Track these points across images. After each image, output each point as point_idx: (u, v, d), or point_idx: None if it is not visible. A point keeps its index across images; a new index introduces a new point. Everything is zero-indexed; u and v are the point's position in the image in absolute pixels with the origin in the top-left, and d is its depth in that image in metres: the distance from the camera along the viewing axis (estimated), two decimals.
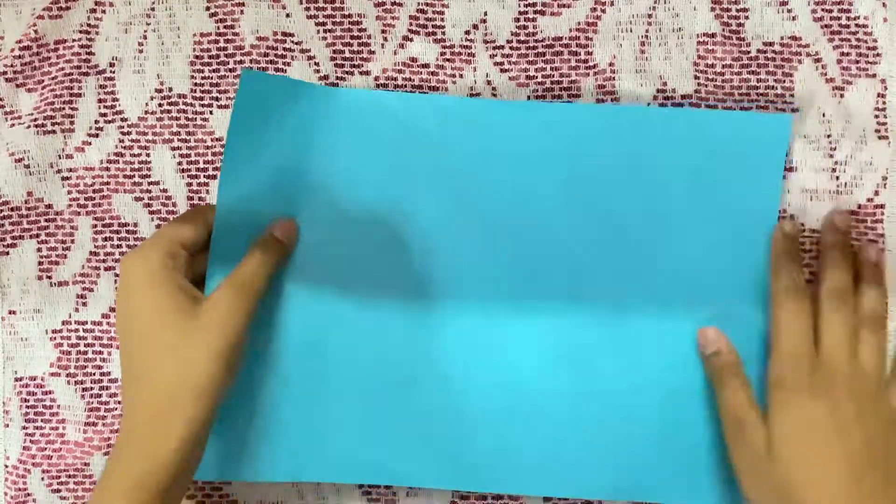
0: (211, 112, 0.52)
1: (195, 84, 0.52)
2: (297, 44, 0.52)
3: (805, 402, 0.47)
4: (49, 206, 0.52)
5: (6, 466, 0.52)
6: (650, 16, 0.53)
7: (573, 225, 0.51)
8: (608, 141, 0.51)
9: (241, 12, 0.52)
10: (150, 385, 0.44)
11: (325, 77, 0.52)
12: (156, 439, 0.43)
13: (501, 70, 0.52)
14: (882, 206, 0.53)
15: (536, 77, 0.52)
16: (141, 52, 0.52)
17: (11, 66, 0.52)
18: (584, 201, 0.51)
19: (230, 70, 0.52)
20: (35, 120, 0.52)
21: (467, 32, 0.52)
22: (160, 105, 0.52)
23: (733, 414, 0.48)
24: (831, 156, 0.53)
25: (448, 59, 0.52)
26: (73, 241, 0.52)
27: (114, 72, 0.52)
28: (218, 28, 0.52)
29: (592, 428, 0.50)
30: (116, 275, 0.52)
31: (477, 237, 0.51)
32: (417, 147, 0.51)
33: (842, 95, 0.53)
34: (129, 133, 0.52)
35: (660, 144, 0.51)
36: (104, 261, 0.52)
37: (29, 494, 0.52)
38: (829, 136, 0.53)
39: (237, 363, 0.46)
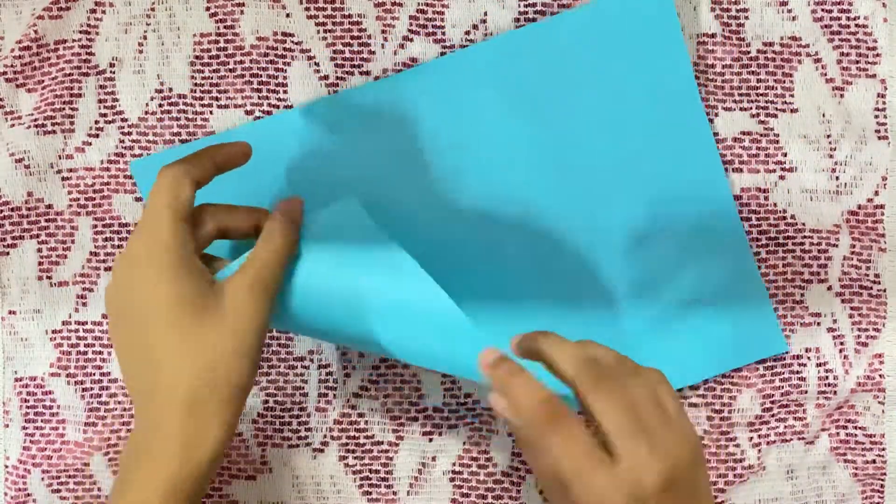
0: (211, 112, 0.52)
1: (195, 84, 0.52)
2: (297, 44, 0.52)
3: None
4: (49, 207, 0.52)
5: (6, 466, 0.52)
6: None
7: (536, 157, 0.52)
8: (519, 68, 0.52)
9: (241, 12, 0.52)
10: (173, 383, 0.41)
11: (325, 77, 0.52)
12: (191, 443, 0.41)
13: None
14: (882, 207, 0.53)
15: None
16: (141, 52, 0.52)
17: (11, 66, 0.52)
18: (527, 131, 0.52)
19: (230, 70, 0.52)
20: (35, 120, 0.52)
21: (467, 32, 0.52)
22: (160, 105, 0.52)
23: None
24: (831, 156, 0.53)
25: None
26: (73, 242, 0.52)
27: (114, 72, 0.52)
28: (218, 28, 0.52)
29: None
30: None
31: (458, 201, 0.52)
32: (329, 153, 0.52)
33: (842, 95, 0.53)
34: (129, 133, 0.52)
35: (562, 55, 0.52)
36: (104, 261, 0.52)
37: (29, 495, 0.52)
38: (829, 136, 0.53)
39: (259, 360, 0.44)
